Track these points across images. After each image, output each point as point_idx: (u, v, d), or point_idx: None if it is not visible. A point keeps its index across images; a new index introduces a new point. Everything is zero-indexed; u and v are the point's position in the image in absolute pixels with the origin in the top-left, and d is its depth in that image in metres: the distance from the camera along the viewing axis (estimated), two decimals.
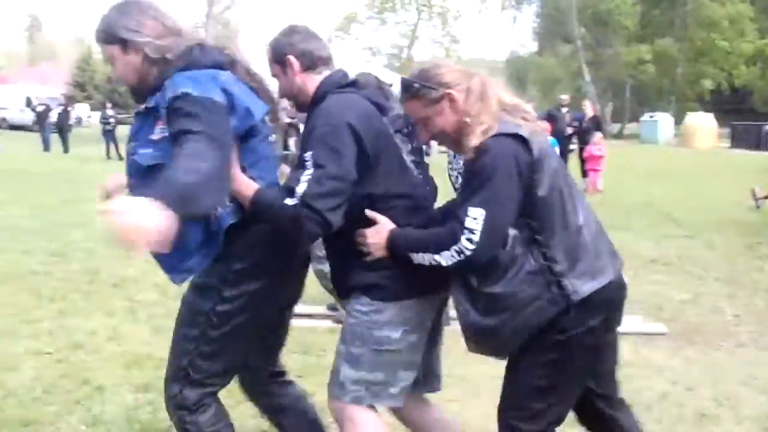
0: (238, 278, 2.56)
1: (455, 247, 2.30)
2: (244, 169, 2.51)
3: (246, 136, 2.53)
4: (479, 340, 2.50)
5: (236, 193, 2.46)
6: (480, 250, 2.29)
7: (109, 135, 23.20)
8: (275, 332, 2.93)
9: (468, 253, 2.29)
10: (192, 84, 2.40)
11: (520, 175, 2.31)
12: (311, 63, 2.67)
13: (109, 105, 25.32)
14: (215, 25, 49.67)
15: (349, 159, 2.42)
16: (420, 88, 2.47)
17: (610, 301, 2.46)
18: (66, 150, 25.71)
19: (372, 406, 2.63)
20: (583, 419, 2.81)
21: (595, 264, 2.41)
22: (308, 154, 2.40)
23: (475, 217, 2.28)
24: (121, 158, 20.36)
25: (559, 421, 2.54)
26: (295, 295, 2.87)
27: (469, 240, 2.28)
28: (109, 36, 2.56)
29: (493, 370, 4.55)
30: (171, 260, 2.54)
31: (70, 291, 6.50)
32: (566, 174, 2.49)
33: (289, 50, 2.66)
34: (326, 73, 2.69)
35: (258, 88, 2.66)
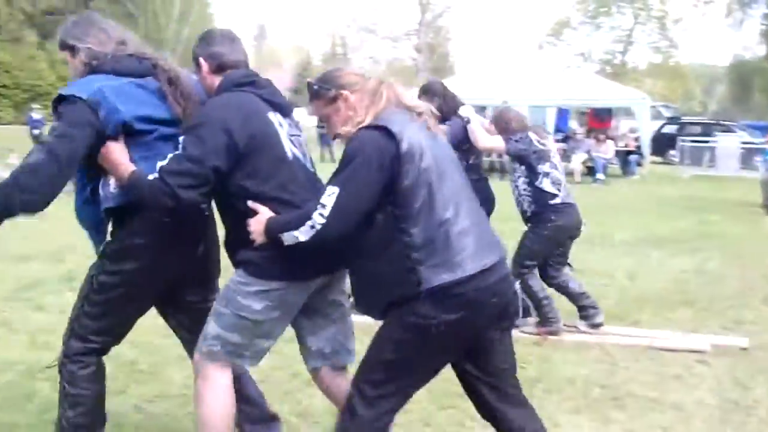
0: (114, 256, 2.90)
1: (310, 222, 2.51)
2: (134, 160, 2.76)
3: (135, 132, 2.79)
4: (356, 301, 2.74)
5: (117, 177, 2.76)
6: (329, 225, 2.48)
7: (324, 138, 24.26)
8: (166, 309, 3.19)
9: (318, 226, 2.49)
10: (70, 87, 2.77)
11: (381, 163, 2.48)
12: (219, 66, 2.89)
13: None
14: (427, 32, 50.73)
15: (211, 147, 2.64)
16: (319, 89, 2.73)
17: (470, 301, 2.51)
18: None
19: (229, 366, 2.88)
20: (483, 416, 2.85)
21: (454, 258, 2.50)
22: (180, 139, 2.71)
23: (330, 194, 2.49)
24: (334, 161, 21.15)
25: (393, 409, 2.65)
26: (187, 272, 3.04)
27: (321, 214, 2.49)
28: (62, 42, 2.96)
29: (709, 397, 4.29)
30: (90, 235, 3.00)
31: None
32: (454, 171, 2.64)
33: (201, 53, 2.92)
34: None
35: (174, 93, 2.88)
